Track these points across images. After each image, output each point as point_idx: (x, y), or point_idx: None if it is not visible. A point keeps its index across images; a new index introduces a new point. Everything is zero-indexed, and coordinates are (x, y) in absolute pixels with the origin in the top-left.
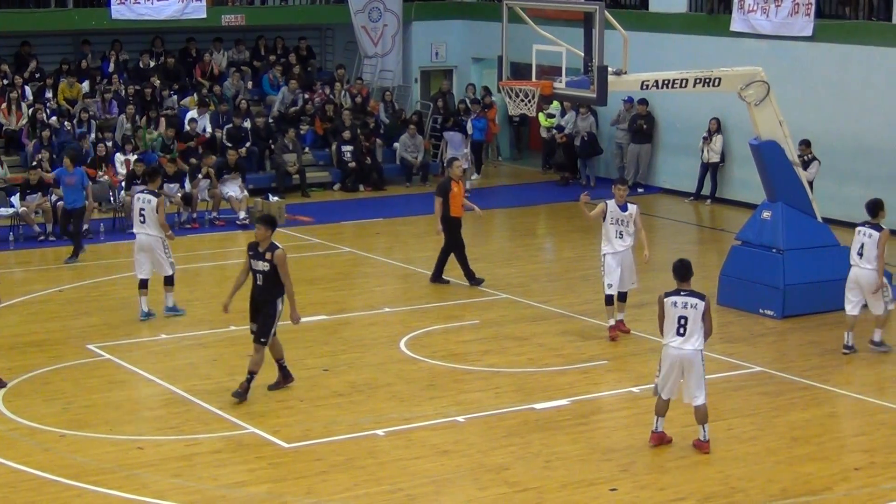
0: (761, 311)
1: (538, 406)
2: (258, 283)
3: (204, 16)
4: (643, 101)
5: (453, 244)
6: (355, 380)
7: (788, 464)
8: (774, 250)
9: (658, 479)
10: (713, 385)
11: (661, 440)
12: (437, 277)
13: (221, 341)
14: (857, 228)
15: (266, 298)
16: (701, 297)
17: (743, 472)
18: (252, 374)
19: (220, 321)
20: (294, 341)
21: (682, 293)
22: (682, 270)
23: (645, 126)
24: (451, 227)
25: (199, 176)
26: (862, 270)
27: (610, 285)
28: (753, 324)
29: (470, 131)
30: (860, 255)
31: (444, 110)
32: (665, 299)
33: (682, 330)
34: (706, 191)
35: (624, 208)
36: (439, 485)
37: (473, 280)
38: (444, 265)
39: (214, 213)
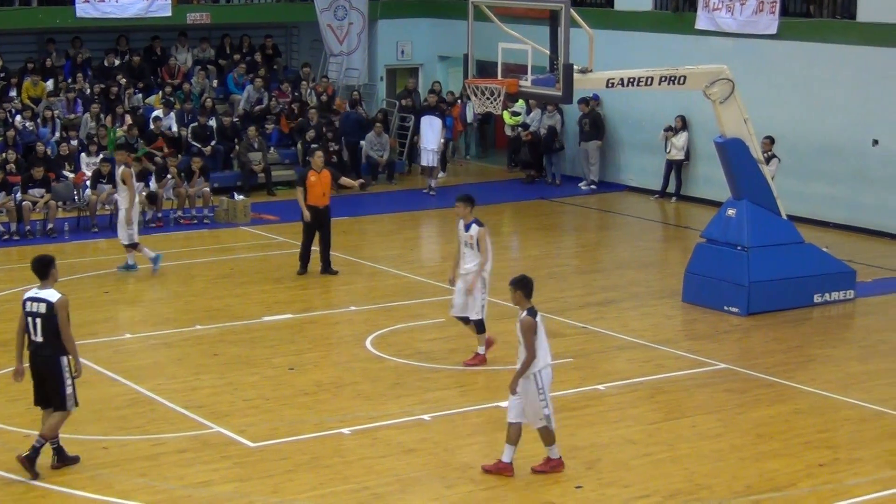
0: (726, 308)
1: (504, 404)
2: (34, 336)
3: (169, 14)
4: (584, 101)
5: (309, 232)
6: (321, 379)
7: (753, 460)
8: (739, 248)
9: (623, 477)
10: (678, 382)
11: (506, 470)
12: (327, 269)
13: (186, 341)
14: None
15: (47, 354)
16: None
17: (708, 468)
18: (46, 439)
19: (185, 320)
20: (260, 340)
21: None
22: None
23: (588, 125)
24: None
25: (168, 177)
26: None
27: (451, 306)
28: (718, 321)
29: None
30: None
31: (412, 109)
32: (537, 319)
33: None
34: (671, 188)
35: (466, 228)
36: (405, 483)
37: (304, 268)
38: (328, 255)
39: (179, 212)
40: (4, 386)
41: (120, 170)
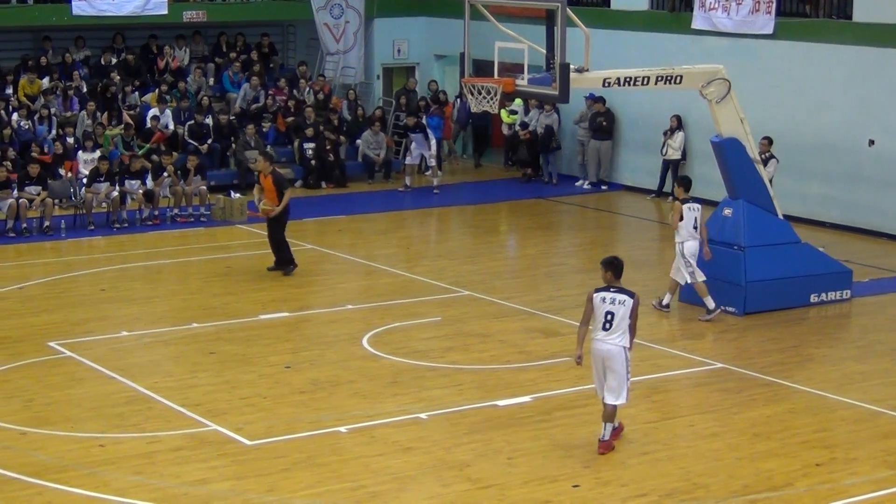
0: (723, 308)
1: (501, 403)
2: None
3: (165, 12)
4: (600, 99)
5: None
6: (318, 377)
7: (750, 460)
8: (736, 247)
9: (620, 476)
10: (675, 381)
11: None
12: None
13: (183, 338)
14: (694, 205)
15: None
16: (630, 294)
17: (704, 468)
18: None
19: (181, 318)
20: (256, 338)
21: (612, 289)
22: (616, 268)
23: (605, 123)
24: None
25: (164, 175)
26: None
27: None
28: (715, 320)
29: None
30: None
31: (407, 107)
32: (594, 295)
33: (607, 325)
34: (668, 188)
35: None
36: (402, 482)
37: (278, 266)
38: (287, 249)
39: (176, 210)
40: (1, 383)
41: None
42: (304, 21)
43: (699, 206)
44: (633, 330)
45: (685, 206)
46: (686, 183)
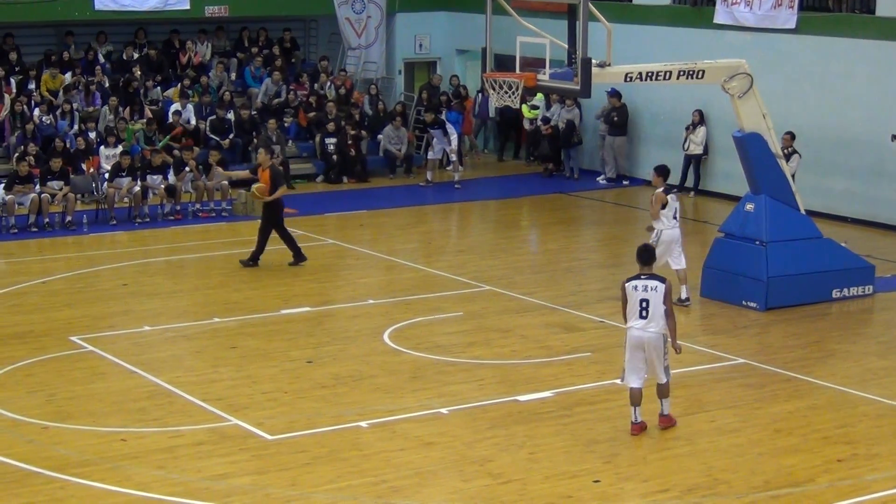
0: (744, 303)
1: (522, 398)
2: None
3: (187, 7)
4: (616, 94)
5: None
6: (339, 372)
7: (771, 455)
8: (758, 242)
9: (641, 471)
10: (696, 377)
11: (641, 429)
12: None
13: (205, 333)
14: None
15: None
16: (661, 279)
17: (726, 463)
18: None
19: (203, 313)
20: (278, 333)
21: (642, 277)
22: (646, 255)
23: (616, 118)
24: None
25: (186, 169)
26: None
27: None
28: (736, 316)
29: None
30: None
31: (427, 103)
32: (626, 284)
33: (644, 313)
34: (689, 183)
35: None
36: (423, 476)
37: (296, 259)
38: (261, 246)
39: (198, 205)
40: (24, 378)
41: None
42: (325, 16)
43: (676, 194)
44: (669, 315)
45: (669, 196)
46: (664, 172)
